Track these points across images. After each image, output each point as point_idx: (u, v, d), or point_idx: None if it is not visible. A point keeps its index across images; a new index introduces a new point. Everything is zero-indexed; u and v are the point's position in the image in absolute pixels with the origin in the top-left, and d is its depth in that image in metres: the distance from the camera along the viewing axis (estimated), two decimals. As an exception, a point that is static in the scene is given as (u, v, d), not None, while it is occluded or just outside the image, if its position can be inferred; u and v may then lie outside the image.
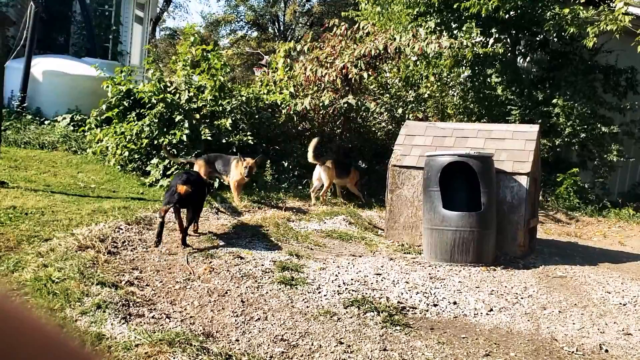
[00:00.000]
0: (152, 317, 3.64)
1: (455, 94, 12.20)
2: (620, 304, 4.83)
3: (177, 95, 9.06)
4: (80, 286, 3.87)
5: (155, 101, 8.79)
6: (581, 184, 10.95)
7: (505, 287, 5.09)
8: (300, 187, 9.18)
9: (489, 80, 11.92)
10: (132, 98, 9.21)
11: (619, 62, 11.65)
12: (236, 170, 7.39)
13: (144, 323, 3.51)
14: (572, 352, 3.73)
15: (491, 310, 4.45)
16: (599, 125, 11.08)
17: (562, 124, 11.10)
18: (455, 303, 4.53)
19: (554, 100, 11.11)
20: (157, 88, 8.98)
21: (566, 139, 11.21)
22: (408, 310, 4.28)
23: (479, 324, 4.15)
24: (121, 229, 5.50)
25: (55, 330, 0.45)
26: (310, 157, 8.49)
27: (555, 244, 7.73)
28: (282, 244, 5.92)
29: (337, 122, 10.82)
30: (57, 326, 2.72)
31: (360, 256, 5.83)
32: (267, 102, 10.00)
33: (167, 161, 8.15)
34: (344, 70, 9.72)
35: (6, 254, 4.44)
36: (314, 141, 8.49)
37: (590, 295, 5.03)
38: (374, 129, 11.51)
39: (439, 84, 11.82)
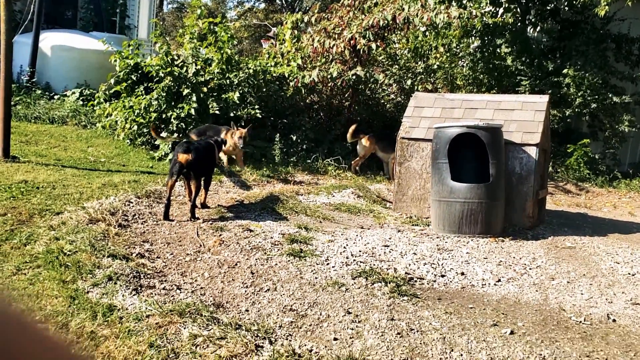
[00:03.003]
0: (163, 289, 3.70)
1: (464, 64, 12.07)
2: (629, 274, 4.83)
3: (185, 68, 9.04)
4: (91, 258, 3.93)
5: (162, 75, 8.77)
6: (591, 154, 10.87)
7: (514, 258, 5.10)
8: (309, 160, 9.19)
9: (498, 50, 11.77)
10: (140, 72, 9.20)
11: (632, 31, 11.45)
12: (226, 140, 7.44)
13: (155, 294, 3.56)
14: (580, 322, 3.74)
15: (499, 280, 4.47)
16: (610, 95, 10.94)
17: (572, 95, 10.97)
18: (462, 274, 4.55)
19: (565, 71, 10.97)
20: (165, 61, 8.96)
21: (577, 110, 11.08)
22: (416, 281, 4.31)
23: (487, 294, 4.17)
24: (131, 203, 5.55)
25: (55, 337, 0.45)
26: (348, 138, 9.26)
27: (564, 215, 7.72)
28: (291, 217, 5.95)
29: (346, 95, 10.77)
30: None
31: (368, 228, 5.86)
32: (274, 74, 9.95)
33: (175, 135, 8.16)
34: (352, 42, 9.64)
35: (19, 227, 4.50)
36: (352, 126, 9.24)
37: (599, 266, 5.03)
38: (382, 101, 11.45)
39: (448, 54, 11.70)
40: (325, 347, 3.06)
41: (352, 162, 9.32)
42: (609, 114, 11.29)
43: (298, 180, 8.02)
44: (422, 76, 11.22)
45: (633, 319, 3.85)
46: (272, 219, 5.77)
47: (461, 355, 3.08)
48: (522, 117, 6.51)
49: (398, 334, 3.27)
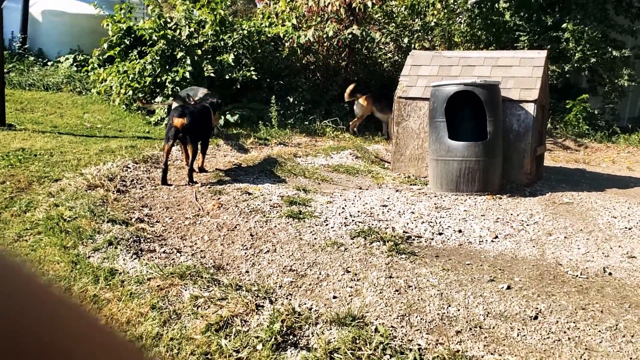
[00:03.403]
0: (163, 252, 3.73)
1: (462, 21, 11.89)
2: (626, 228, 4.87)
3: (178, 31, 8.92)
4: (91, 224, 3.96)
5: (156, 38, 8.66)
6: (590, 110, 10.81)
7: (511, 214, 5.13)
8: (307, 122, 9.15)
9: (496, 5, 11.56)
10: (133, 36, 9.08)
11: (633, -18, 11.25)
12: None
13: (156, 258, 3.60)
14: (576, 275, 3.79)
15: (496, 237, 4.51)
16: (609, 49, 10.81)
17: (571, 49, 10.85)
18: (460, 231, 4.59)
19: (564, 25, 10.81)
20: (158, 24, 8.83)
21: (576, 65, 10.97)
22: (413, 239, 4.35)
23: (484, 251, 4.22)
24: (129, 168, 5.55)
25: (64, 297, 0.46)
26: (345, 97, 9.12)
27: (562, 171, 7.73)
28: (290, 180, 5.96)
29: (342, 54, 10.65)
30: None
31: (366, 189, 5.88)
32: (269, 35, 9.82)
33: (171, 99, 8.10)
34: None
35: (18, 194, 4.52)
36: (351, 86, 9.11)
37: (596, 221, 5.07)
38: (379, 60, 11.32)
39: (445, 11, 11.50)
40: (325, 305, 3.11)
41: (350, 123, 9.28)
42: (608, 68, 11.18)
43: (296, 143, 8.00)
44: (419, 34, 11.07)
45: (629, 272, 3.90)
46: (271, 181, 5.78)
47: (458, 310, 3.13)
48: (520, 73, 6.45)
49: (396, 291, 3.32)
